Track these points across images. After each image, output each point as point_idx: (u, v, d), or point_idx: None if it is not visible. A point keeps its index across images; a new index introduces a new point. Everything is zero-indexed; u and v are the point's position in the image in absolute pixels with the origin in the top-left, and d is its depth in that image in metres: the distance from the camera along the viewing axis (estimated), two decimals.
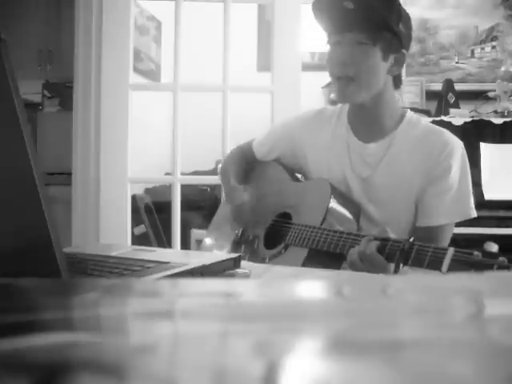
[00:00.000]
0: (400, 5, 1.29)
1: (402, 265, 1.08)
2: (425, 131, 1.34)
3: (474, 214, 1.32)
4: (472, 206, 1.32)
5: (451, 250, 1.01)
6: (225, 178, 1.58)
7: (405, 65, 1.34)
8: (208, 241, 1.58)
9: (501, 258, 0.96)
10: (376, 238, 1.14)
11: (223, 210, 1.60)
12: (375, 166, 1.34)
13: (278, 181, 1.50)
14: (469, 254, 0.99)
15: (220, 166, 1.67)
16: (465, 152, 1.33)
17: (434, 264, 1.03)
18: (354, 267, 1.14)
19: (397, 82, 1.35)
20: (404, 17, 1.29)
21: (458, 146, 1.31)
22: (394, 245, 1.11)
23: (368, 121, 1.36)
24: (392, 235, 1.23)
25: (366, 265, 1.12)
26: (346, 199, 1.34)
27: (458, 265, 0.99)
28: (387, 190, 1.32)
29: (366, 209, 1.33)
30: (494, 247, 0.98)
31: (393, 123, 1.35)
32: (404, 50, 1.31)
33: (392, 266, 1.11)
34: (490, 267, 0.95)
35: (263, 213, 1.45)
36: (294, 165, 1.49)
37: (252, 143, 1.58)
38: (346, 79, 1.27)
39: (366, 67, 1.27)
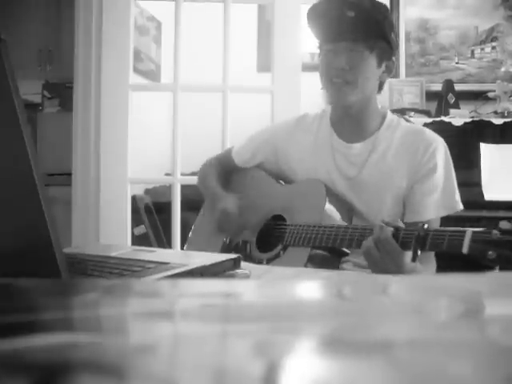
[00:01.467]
0: (391, 14, 1.36)
1: (419, 251, 1.08)
2: (407, 131, 1.38)
3: (460, 206, 1.35)
4: (458, 199, 1.35)
5: (470, 231, 1.01)
6: (205, 187, 1.59)
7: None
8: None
9: None
10: (385, 224, 1.14)
11: (203, 221, 1.59)
12: (361, 166, 1.36)
13: (265, 184, 1.50)
14: (487, 232, 0.99)
15: (198, 176, 1.66)
16: (447, 148, 1.36)
17: (454, 246, 1.03)
18: (368, 256, 1.13)
19: (381, 86, 1.40)
20: (394, 26, 1.35)
21: (440, 143, 1.35)
22: (407, 232, 1.11)
23: (352, 123, 1.39)
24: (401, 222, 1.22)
25: (382, 252, 1.11)
26: (338, 199, 1.35)
27: (478, 245, 0.99)
28: (375, 189, 1.34)
29: (356, 208, 1.35)
30: (507, 225, 0.98)
31: (375, 125, 1.39)
32: (394, 58, 1.37)
33: (408, 253, 1.11)
34: (509, 244, 0.96)
35: (253, 217, 1.44)
36: (276, 171, 1.50)
37: (230, 152, 1.60)
38: (342, 83, 1.31)
39: (363, 73, 1.31)
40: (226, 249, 1.45)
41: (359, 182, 1.35)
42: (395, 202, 1.34)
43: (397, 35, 1.37)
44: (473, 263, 1.01)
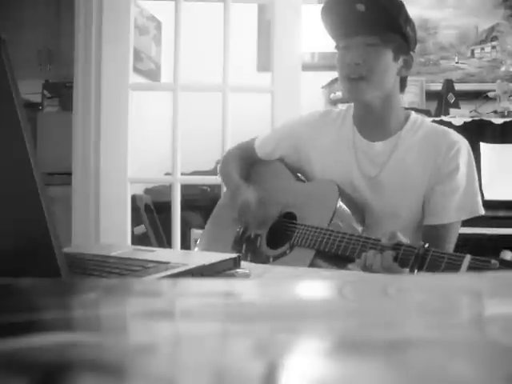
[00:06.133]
0: (406, 9, 1.32)
1: (416, 270, 1.07)
2: (430, 131, 1.36)
3: (482, 211, 1.33)
4: (479, 203, 1.33)
5: (468, 258, 1.00)
6: (226, 176, 1.58)
7: None
8: (201, 241, 1.59)
9: None
10: (386, 246, 1.12)
11: (221, 210, 1.60)
12: (383, 165, 1.35)
13: (282, 180, 1.50)
14: (486, 261, 0.97)
15: (219, 165, 1.67)
16: (471, 150, 1.34)
17: (451, 271, 1.01)
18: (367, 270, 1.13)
19: (403, 84, 1.38)
20: (410, 20, 1.33)
21: (464, 145, 1.33)
22: (407, 250, 1.10)
23: (374, 121, 1.37)
24: (401, 235, 1.21)
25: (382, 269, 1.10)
26: (352, 201, 1.33)
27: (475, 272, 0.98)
28: (395, 189, 1.33)
29: (373, 208, 1.33)
30: (509, 255, 0.97)
31: (398, 124, 1.37)
32: (412, 53, 1.34)
33: (405, 271, 1.10)
34: None
35: (267, 212, 1.45)
36: (296, 165, 1.50)
37: (253, 142, 1.58)
38: (358, 78, 1.30)
39: (378, 67, 1.29)
40: (238, 240, 1.46)
41: (379, 181, 1.34)
42: (415, 204, 1.32)
43: (414, 30, 1.34)
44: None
